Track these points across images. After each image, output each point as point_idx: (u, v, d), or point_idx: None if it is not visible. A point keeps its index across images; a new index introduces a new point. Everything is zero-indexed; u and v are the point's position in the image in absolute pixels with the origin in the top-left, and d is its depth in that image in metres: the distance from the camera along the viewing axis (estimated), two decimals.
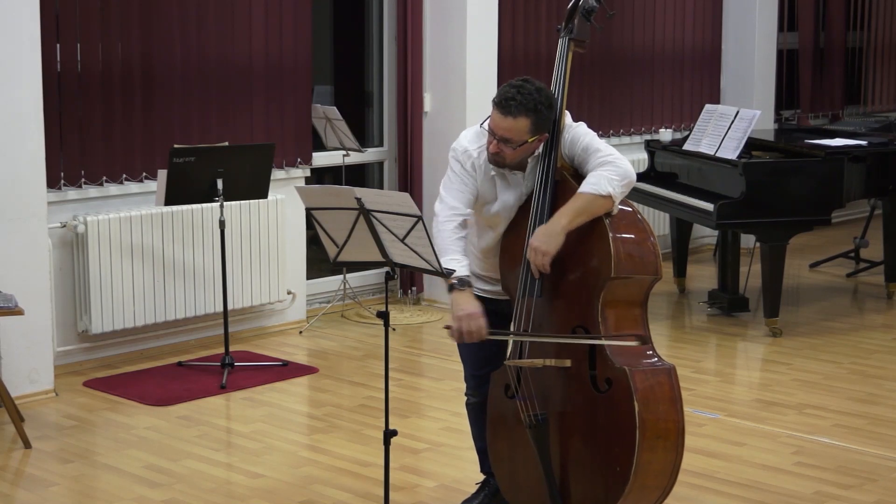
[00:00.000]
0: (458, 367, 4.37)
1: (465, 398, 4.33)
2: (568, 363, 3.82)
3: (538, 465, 3.89)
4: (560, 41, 4.00)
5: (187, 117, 6.54)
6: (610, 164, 3.83)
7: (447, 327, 3.86)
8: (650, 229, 3.86)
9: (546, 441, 3.87)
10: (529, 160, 3.94)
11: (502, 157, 3.86)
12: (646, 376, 3.72)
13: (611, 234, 3.73)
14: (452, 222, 3.94)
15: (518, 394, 3.92)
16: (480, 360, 4.17)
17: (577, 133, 3.97)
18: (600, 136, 4.24)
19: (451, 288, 3.85)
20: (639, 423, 3.65)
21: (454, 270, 4.03)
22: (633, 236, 3.80)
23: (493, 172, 3.97)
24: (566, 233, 3.77)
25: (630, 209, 3.89)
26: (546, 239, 3.78)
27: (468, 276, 3.90)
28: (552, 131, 3.90)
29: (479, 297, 4.12)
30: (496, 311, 4.05)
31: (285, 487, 4.72)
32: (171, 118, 6.47)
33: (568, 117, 4.01)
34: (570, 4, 4.05)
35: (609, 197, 3.79)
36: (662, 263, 3.93)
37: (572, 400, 3.86)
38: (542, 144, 3.90)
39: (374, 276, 7.75)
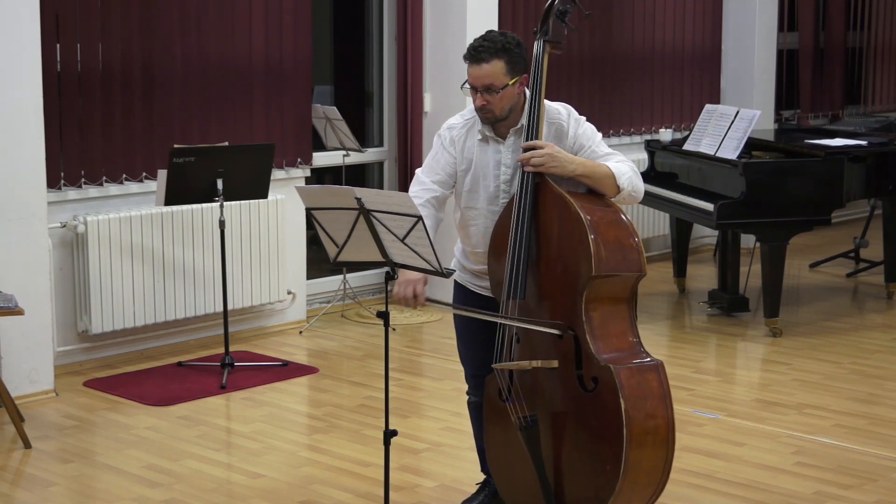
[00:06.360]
0: (459, 367, 4.38)
1: (467, 397, 4.34)
2: (555, 364, 3.83)
3: (532, 465, 3.89)
4: (535, 43, 4.03)
5: (187, 117, 6.54)
6: (636, 176, 3.96)
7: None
8: (632, 227, 3.88)
9: (537, 442, 3.88)
10: (511, 132, 3.96)
11: (490, 108, 3.92)
12: (632, 373, 3.73)
13: (591, 236, 3.74)
14: (417, 199, 3.98)
15: (509, 396, 3.93)
16: (478, 362, 4.18)
17: (592, 135, 4.02)
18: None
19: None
20: (626, 421, 3.66)
21: (454, 270, 4.05)
22: (613, 235, 3.81)
23: (477, 137, 4.01)
24: (570, 170, 3.85)
25: (611, 207, 3.91)
26: (556, 154, 3.84)
27: None
28: (531, 113, 3.92)
29: (473, 294, 4.17)
30: (489, 310, 4.05)
31: (285, 487, 4.72)
32: (171, 118, 6.47)
33: (573, 111, 4.05)
34: (546, 6, 4.07)
35: (617, 189, 3.91)
36: (647, 261, 3.93)
37: (561, 400, 3.87)
38: (525, 101, 3.94)
39: (374, 276, 7.75)
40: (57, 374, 5.93)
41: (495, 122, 3.97)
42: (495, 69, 3.87)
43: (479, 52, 3.88)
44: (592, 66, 8.57)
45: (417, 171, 4.16)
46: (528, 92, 3.97)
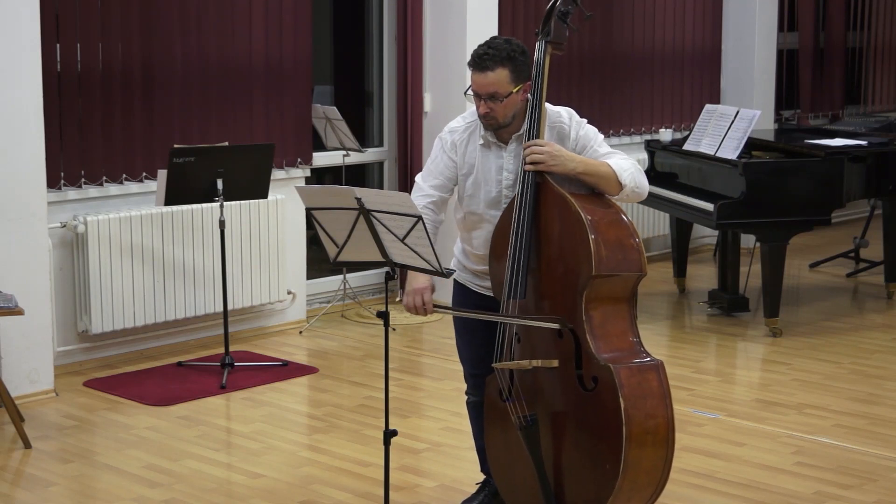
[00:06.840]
0: (459, 367, 4.38)
1: (466, 397, 4.34)
2: (555, 363, 3.84)
3: (532, 465, 3.89)
4: (537, 44, 4.03)
5: (187, 117, 6.54)
6: (639, 172, 3.96)
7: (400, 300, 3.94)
8: (633, 227, 3.89)
9: (537, 442, 3.88)
10: (513, 138, 3.97)
11: (494, 115, 3.91)
12: (631, 373, 3.73)
13: (591, 236, 3.75)
14: (419, 204, 3.98)
15: (509, 396, 3.94)
16: (477, 360, 4.19)
17: (594, 136, 4.03)
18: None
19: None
20: (625, 420, 3.66)
21: (454, 270, 4.05)
22: (613, 234, 3.81)
23: (479, 142, 4.01)
24: (571, 167, 3.86)
25: (612, 208, 3.92)
26: (557, 153, 3.85)
27: None
28: (532, 115, 3.93)
29: (473, 293, 4.17)
30: (489, 308, 4.06)
31: (285, 487, 4.72)
32: (171, 118, 6.48)
33: (575, 114, 4.05)
34: (547, 7, 4.07)
35: (621, 186, 3.91)
36: (647, 261, 3.93)
37: (561, 400, 3.88)
38: (527, 106, 3.94)
39: (374, 276, 7.75)
40: (57, 374, 5.93)
41: (498, 129, 3.97)
42: (500, 77, 3.85)
43: (483, 60, 3.86)
44: (592, 66, 8.57)
45: (417, 177, 4.16)
46: (529, 96, 3.97)
